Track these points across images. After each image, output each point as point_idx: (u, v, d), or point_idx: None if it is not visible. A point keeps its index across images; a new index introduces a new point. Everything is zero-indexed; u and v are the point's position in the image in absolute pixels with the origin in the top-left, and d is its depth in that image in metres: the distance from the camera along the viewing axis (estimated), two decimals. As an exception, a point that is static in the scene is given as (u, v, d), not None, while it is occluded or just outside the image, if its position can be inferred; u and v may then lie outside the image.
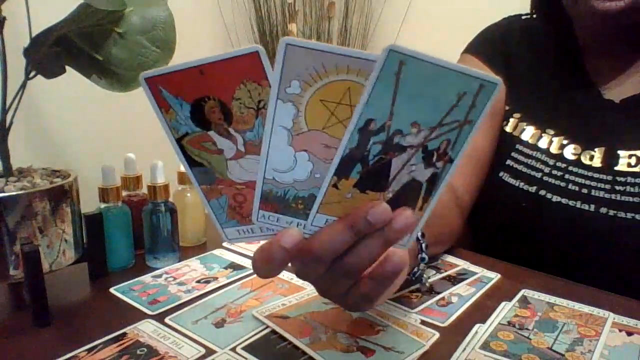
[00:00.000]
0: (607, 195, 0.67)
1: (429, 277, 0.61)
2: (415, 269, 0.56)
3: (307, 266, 0.38)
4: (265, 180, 0.36)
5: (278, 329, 0.50)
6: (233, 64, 0.34)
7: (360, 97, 0.32)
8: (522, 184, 0.72)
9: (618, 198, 0.66)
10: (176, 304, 0.56)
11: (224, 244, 0.72)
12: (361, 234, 0.36)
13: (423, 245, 0.55)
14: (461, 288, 0.60)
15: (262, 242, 0.38)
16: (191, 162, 0.38)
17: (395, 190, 0.36)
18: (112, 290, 0.59)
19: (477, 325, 0.52)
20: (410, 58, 0.31)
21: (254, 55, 0.33)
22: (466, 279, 0.62)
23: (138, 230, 0.66)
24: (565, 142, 0.72)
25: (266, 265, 0.37)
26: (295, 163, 0.35)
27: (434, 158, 0.34)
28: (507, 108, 0.78)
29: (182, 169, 0.70)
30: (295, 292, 0.57)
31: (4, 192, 0.52)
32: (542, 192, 0.70)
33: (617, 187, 0.67)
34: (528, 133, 0.75)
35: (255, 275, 0.62)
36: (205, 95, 0.35)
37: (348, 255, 0.37)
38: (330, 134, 0.34)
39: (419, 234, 0.54)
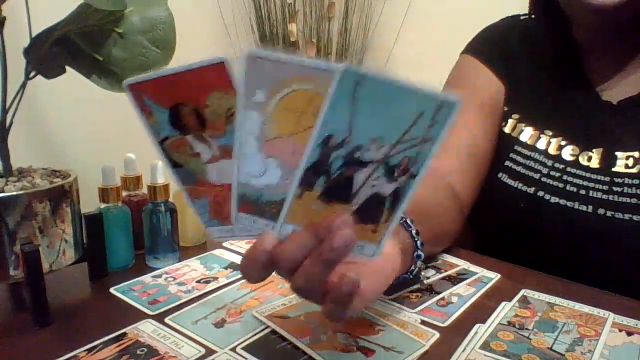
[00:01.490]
0: (604, 196, 0.67)
1: (427, 278, 0.61)
2: (412, 267, 0.55)
3: (278, 273, 0.39)
4: (240, 184, 0.37)
5: (278, 329, 0.50)
6: (201, 73, 0.36)
7: (321, 111, 0.33)
8: (520, 184, 0.72)
9: (615, 199, 0.66)
10: (176, 304, 0.56)
11: (224, 244, 0.72)
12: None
13: (418, 242, 0.54)
14: (461, 288, 0.60)
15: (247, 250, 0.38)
16: (173, 163, 0.40)
17: (360, 203, 0.36)
18: (112, 290, 0.59)
19: (477, 325, 0.52)
20: (366, 77, 0.31)
21: (220, 65, 0.35)
22: (466, 279, 0.62)
23: (138, 230, 0.66)
24: (563, 143, 0.72)
25: (252, 269, 0.38)
26: (266, 168, 0.36)
27: (396, 173, 0.35)
28: (505, 109, 0.78)
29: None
30: (295, 292, 0.57)
31: (4, 192, 0.52)
32: (541, 193, 0.71)
33: (614, 188, 0.67)
34: (527, 134, 0.75)
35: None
36: (181, 102, 0.37)
37: (295, 275, 0.37)
38: (298, 141, 0.35)
39: (413, 231, 0.54)
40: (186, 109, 0.37)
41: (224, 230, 0.42)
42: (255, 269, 0.38)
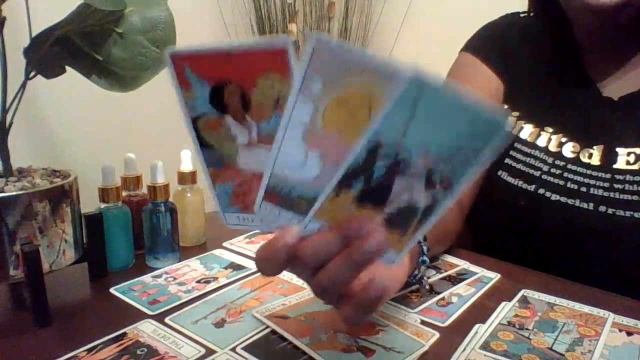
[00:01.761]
0: (605, 194, 0.67)
1: (429, 278, 0.61)
2: (416, 271, 0.56)
3: (294, 269, 0.38)
4: (273, 173, 0.36)
5: (278, 329, 0.50)
6: (261, 54, 0.34)
7: (376, 114, 0.32)
8: (520, 182, 0.72)
9: (617, 196, 0.66)
10: (176, 304, 0.56)
11: (224, 244, 0.72)
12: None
13: (424, 248, 0.55)
14: (461, 288, 0.60)
15: (262, 242, 0.37)
16: (203, 143, 0.38)
17: (393, 209, 0.35)
18: (112, 290, 0.59)
19: (477, 325, 0.52)
20: (432, 87, 0.30)
21: (279, 49, 0.33)
22: (466, 279, 0.62)
23: (138, 230, 0.66)
24: (563, 140, 0.72)
25: (270, 262, 0.37)
26: (306, 161, 0.35)
27: (436, 186, 0.34)
28: (505, 106, 0.78)
29: (182, 168, 0.70)
30: (295, 292, 0.57)
31: (4, 192, 0.52)
32: (541, 191, 0.70)
33: (615, 185, 0.67)
34: (527, 131, 0.75)
35: (255, 276, 0.63)
36: (227, 80, 0.35)
37: (319, 273, 0.36)
38: (345, 138, 0.34)
39: (421, 237, 0.54)
40: (231, 88, 0.36)
41: (242, 218, 0.40)
42: (273, 262, 0.37)
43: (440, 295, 0.58)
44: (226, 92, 0.36)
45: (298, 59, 0.33)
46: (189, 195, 0.71)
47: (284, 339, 0.49)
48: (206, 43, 0.35)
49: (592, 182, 0.68)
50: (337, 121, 0.34)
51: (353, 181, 0.34)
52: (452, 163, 0.33)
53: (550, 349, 0.48)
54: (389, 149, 0.33)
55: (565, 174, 0.70)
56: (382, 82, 0.32)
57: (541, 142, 0.73)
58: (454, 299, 0.57)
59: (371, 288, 0.35)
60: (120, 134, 1.49)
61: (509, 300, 0.57)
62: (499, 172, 0.75)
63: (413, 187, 0.34)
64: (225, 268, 0.65)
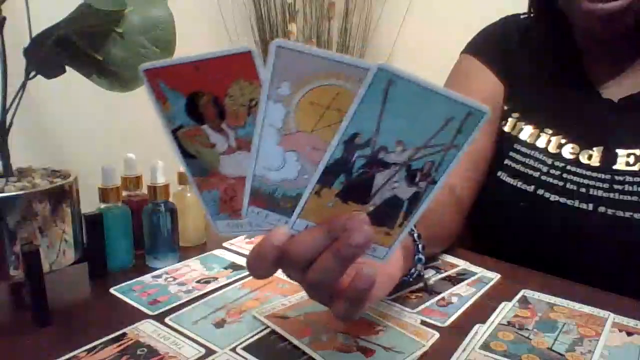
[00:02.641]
0: (605, 194, 0.67)
1: (429, 278, 0.61)
2: (413, 270, 0.56)
3: (286, 269, 0.38)
4: (255, 177, 0.37)
5: (278, 329, 0.50)
6: (227, 62, 0.35)
7: (348, 109, 0.33)
8: (520, 183, 0.72)
9: (616, 197, 0.66)
10: (176, 304, 0.56)
11: (224, 244, 0.72)
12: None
13: (419, 246, 0.55)
14: (461, 288, 0.60)
15: (255, 245, 0.38)
16: (185, 153, 0.39)
17: (377, 204, 0.36)
18: (112, 290, 0.59)
19: (477, 326, 0.52)
20: (399, 78, 0.31)
21: (247, 55, 0.34)
22: (466, 279, 0.62)
23: (138, 230, 0.66)
24: (563, 141, 0.72)
25: (260, 264, 0.37)
26: (285, 162, 0.36)
27: (417, 178, 0.35)
28: (505, 108, 0.78)
29: (183, 168, 0.70)
30: (295, 292, 0.57)
31: (4, 192, 0.52)
32: (540, 192, 0.71)
33: (615, 186, 0.67)
34: (526, 132, 0.75)
35: (255, 276, 0.63)
36: (200, 90, 0.36)
37: (309, 271, 0.37)
38: (319, 136, 0.35)
39: (415, 234, 0.54)
40: (205, 97, 0.36)
41: (231, 224, 0.41)
42: (263, 264, 0.37)
43: (440, 295, 0.58)
44: (200, 102, 0.37)
45: (265, 64, 0.34)
46: (189, 195, 0.71)
47: (284, 339, 0.49)
48: (177, 56, 0.36)
49: (592, 183, 0.68)
50: (309, 121, 0.35)
51: (333, 178, 0.35)
52: (430, 153, 0.34)
53: (550, 349, 0.48)
54: (365, 143, 0.34)
55: (565, 175, 0.70)
56: (349, 79, 0.32)
57: (541, 143, 0.73)
58: (454, 299, 0.57)
59: (358, 279, 0.36)
60: (120, 134, 1.49)
61: (509, 300, 0.57)
62: (499, 173, 0.75)
63: (394, 180, 0.35)
64: (225, 268, 0.65)
